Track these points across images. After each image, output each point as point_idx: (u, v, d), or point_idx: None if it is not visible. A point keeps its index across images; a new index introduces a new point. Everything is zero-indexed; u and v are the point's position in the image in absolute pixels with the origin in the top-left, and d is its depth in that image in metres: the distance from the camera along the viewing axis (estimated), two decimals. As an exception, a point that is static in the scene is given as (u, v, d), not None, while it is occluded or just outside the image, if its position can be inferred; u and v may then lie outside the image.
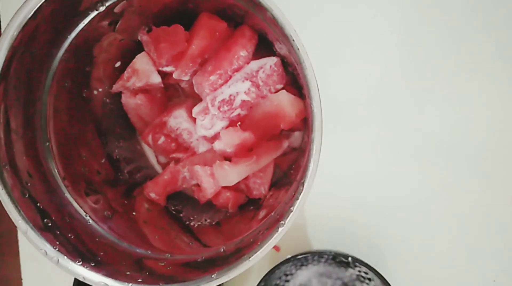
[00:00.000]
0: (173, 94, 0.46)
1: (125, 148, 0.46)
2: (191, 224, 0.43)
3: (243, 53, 0.39)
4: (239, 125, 0.40)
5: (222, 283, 0.38)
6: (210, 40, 0.39)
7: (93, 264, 0.33)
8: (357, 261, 0.42)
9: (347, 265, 0.45)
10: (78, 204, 0.38)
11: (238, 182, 0.39)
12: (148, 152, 0.48)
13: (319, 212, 0.48)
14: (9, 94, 0.33)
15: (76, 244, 0.35)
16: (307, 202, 0.34)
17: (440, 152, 0.47)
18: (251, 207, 0.43)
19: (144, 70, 0.41)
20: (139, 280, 0.33)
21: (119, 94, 0.44)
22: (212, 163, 0.40)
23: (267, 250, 0.30)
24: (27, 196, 0.34)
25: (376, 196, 0.48)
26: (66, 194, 0.37)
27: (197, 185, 0.43)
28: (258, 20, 0.36)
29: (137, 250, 0.37)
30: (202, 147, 0.43)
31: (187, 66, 0.40)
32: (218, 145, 0.39)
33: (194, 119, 0.41)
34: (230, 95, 0.38)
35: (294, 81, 0.40)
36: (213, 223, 0.43)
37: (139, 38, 0.41)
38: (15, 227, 0.33)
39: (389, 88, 0.48)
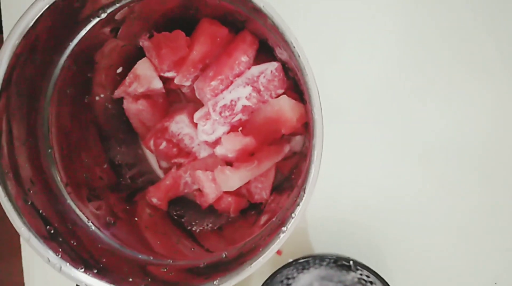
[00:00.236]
0: (174, 100, 0.46)
1: (127, 153, 0.46)
2: (193, 229, 0.43)
3: (244, 58, 0.39)
4: (240, 130, 0.40)
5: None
6: (211, 46, 0.39)
7: (95, 271, 0.33)
8: (358, 265, 0.42)
9: (348, 268, 0.45)
10: (80, 210, 0.38)
11: (240, 187, 0.40)
12: (150, 157, 0.48)
13: (321, 215, 0.48)
14: (11, 102, 0.33)
15: (79, 251, 0.35)
16: (309, 206, 0.35)
17: (440, 153, 0.47)
18: (253, 212, 0.43)
19: (146, 76, 0.41)
20: (142, 286, 0.33)
21: (121, 100, 0.44)
22: (213, 168, 0.40)
23: (269, 256, 0.30)
24: (29, 203, 0.34)
25: (377, 198, 0.48)
26: (68, 201, 0.38)
27: (199, 190, 0.43)
28: (258, 25, 0.36)
29: (140, 256, 0.37)
30: (203, 152, 0.43)
31: (188, 71, 0.40)
32: (219, 150, 0.39)
33: (195, 124, 0.41)
34: (231, 100, 0.39)
35: (295, 85, 0.40)
36: (215, 228, 0.43)
37: (140, 44, 0.41)
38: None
39: (389, 89, 0.48)
